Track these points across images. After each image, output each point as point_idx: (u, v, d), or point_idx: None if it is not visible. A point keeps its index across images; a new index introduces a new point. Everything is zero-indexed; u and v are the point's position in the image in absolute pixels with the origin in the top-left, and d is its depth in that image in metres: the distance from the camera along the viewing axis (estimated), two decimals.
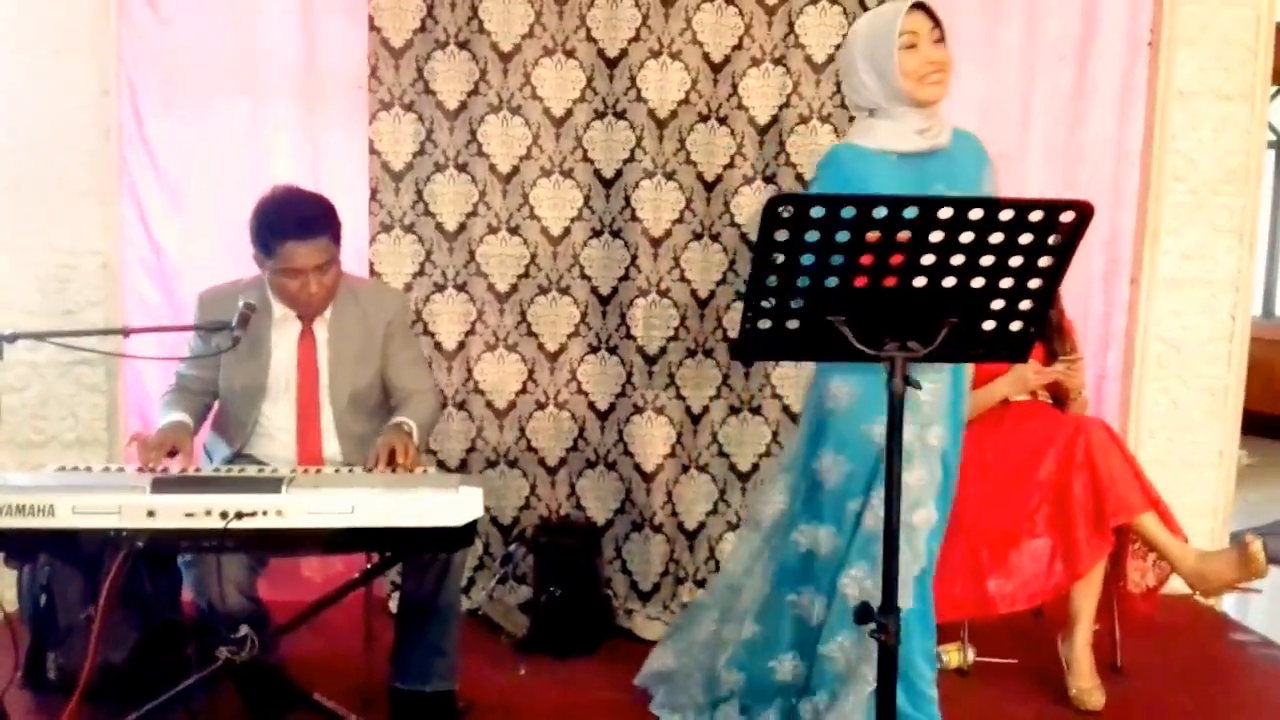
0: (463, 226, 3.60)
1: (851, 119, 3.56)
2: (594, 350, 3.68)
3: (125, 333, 2.61)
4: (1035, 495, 3.10)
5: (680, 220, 3.61)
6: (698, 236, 3.63)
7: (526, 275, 3.64)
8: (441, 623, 2.73)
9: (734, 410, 3.70)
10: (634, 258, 3.61)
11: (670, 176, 3.59)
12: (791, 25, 3.57)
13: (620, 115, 3.58)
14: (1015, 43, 3.80)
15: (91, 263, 3.50)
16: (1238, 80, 3.81)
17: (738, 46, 3.57)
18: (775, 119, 3.60)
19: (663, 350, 3.65)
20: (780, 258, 1.79)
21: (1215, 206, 3.84)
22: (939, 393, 2.61)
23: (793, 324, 1.89)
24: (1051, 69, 3.82)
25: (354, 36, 3.54)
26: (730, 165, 3.61)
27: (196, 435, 2.82)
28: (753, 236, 3.60)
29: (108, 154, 3.48)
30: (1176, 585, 3.13)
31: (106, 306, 3.51)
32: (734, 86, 3.58)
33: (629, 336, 3.64)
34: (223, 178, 3.55)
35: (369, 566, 2.68)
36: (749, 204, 3.61)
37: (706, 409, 3.69)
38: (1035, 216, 1.79)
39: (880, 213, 1.75)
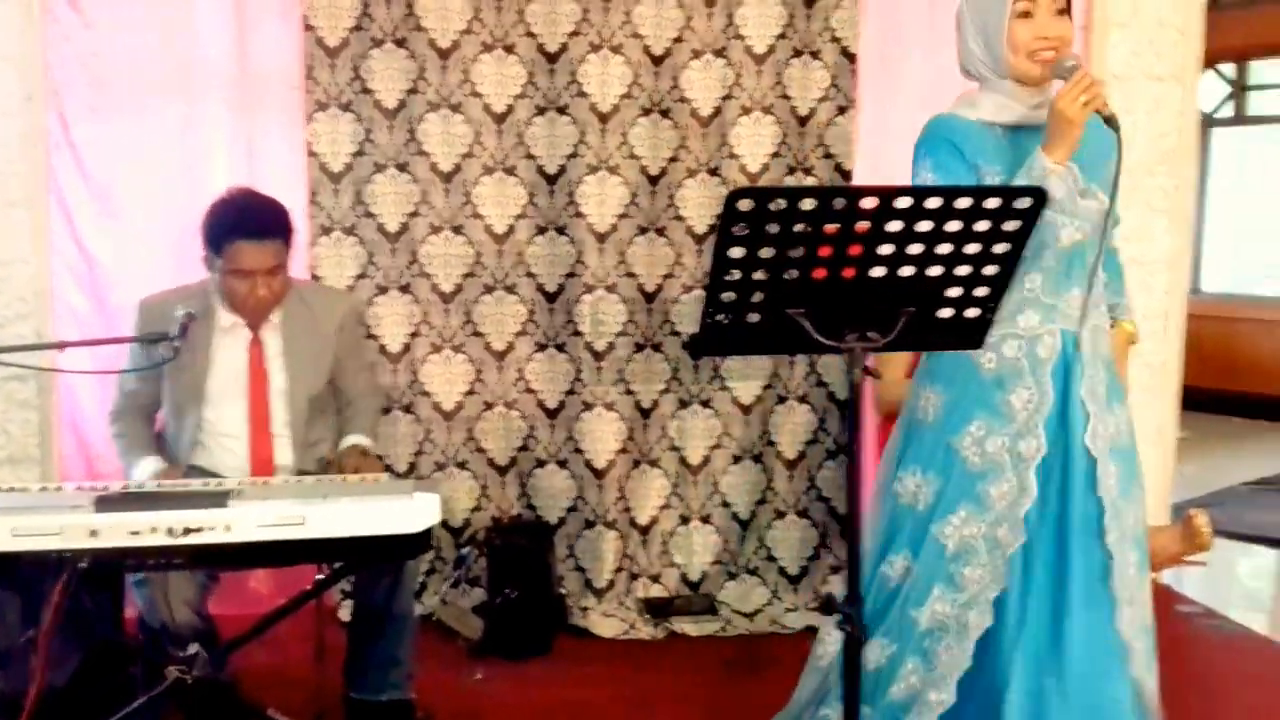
0: (405, 227, 3.55)
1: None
2: (542, 348, 3.65)
3: (61, 346, 2.53)
4: None
5: (625, 215, 3.59)
6: (643, 231, 3.61)
7: (471, 275, 3.59)
8: (396, 631, 2.69)
9: (684, 404, 3.69)
10: (580, 254, 3.58)
11: (614, 171, 3.56)
12: (731, 17, 3.56)
13: (562, 111, 3.55)
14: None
15: (21, 273, 3.38)
16: (1169, 62, 3.85)
17: (678, 39, 3.55)
18: (718, 111, 3.59)
19: (611, 346, 3.63)
20: (740, 252, 1.78)
21: (1150, 188, 3.86)
22: (1034, 400, 2.27)
23: (753, 317, 1.87)
24: None
25: (288, 36, 3.45)
26: (674, 159, 3.59)
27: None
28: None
29: (34, 161, 3.36)
30: None
31: (36, 319, 3.39)
32: (675, 80, 3.57)
33: (577, 333, 3.61)
34: (156, 183, 3.44)
35: (321, 577, 2.61)
36: (694, 197, 3.60)
37: (656, 404, 3.67)
38: (992, 204, 1.80)
39: (840, 203, 1.74)
